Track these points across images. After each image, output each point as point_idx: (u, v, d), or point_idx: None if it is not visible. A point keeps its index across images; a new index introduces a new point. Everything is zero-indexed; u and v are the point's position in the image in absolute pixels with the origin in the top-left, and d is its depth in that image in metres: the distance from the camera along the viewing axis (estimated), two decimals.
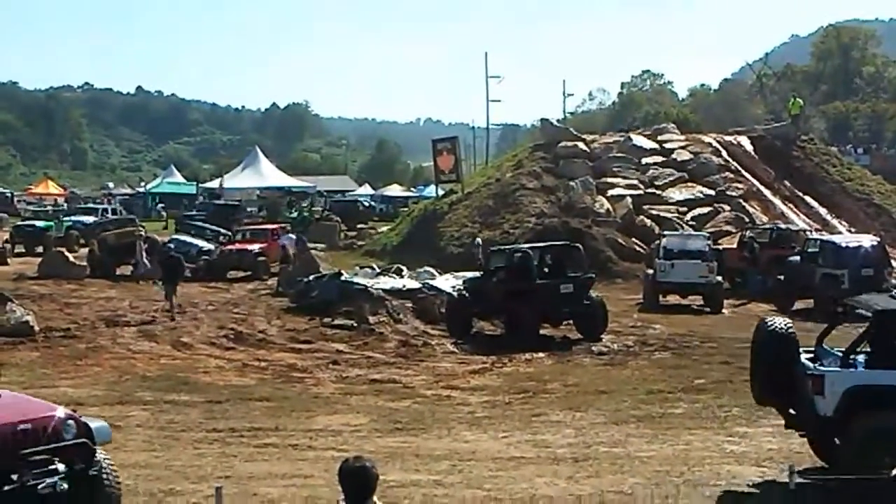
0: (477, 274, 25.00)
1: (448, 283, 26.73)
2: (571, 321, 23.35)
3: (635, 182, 40.94)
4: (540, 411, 15.61)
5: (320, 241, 42.03)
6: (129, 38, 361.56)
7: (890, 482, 9.85)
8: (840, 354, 11.26)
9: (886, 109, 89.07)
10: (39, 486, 8.51)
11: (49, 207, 60.15)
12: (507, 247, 26.96)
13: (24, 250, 40.58)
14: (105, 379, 18.09)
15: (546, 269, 23.80)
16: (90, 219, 47.85)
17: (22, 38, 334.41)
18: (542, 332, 22.97)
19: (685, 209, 39.33)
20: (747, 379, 17.78)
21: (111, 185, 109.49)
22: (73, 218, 48.45)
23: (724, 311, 27.73)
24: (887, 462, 10.00)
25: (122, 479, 9.71)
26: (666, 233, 32.73)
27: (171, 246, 30.25)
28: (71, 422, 9.13)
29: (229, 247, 36.06)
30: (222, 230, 39.95)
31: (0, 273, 33.66)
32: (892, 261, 30.21)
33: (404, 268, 29.29)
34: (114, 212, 52.91)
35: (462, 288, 24.87)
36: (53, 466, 8.68)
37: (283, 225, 41.42)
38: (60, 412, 9.19)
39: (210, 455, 12.79)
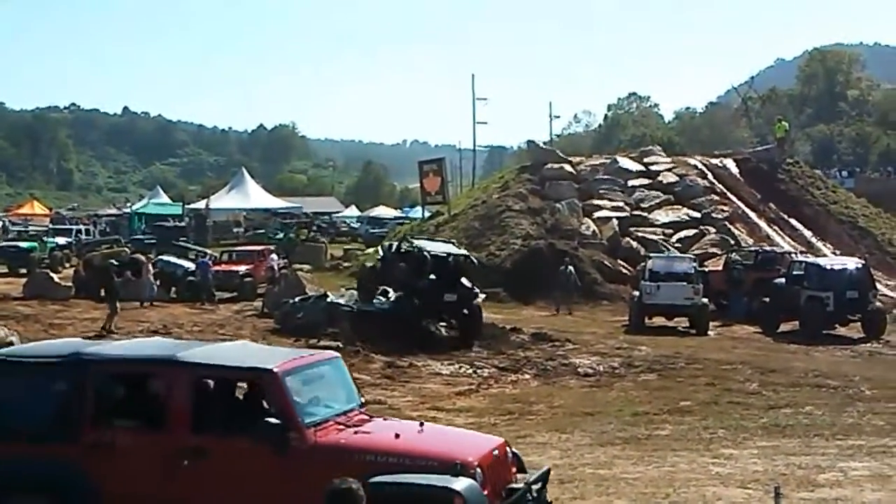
0: (392, 246, 27.34)
1: None
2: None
3: (621, 204, 41.04)
4: (525, 433, 15.55)
5: (306, 263, 41.89)
6: (116, 59, 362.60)
7: None
8: None
9: (871, 133, 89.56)
10: None
11: (31, 228, 59.74)
12: (411, 243, 27.60)
13: (7, 271, 40.43)
14: None
15: (440, 276, 25.14)
16: (63, 240, 47.69)
17: (8, 58, 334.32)
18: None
19: (671, 231, 39.42)
20: (732, 400, 18.08)
21: (75, 204, 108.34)
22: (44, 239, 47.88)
23: (709, 332, 27.79)
24: None
25: None
26: (652, 255, 32.72)
27: (114, 262, 30.33)
28: (508, 450, 9.02)
29: (215, 268, 35.87)
30: (208, 251, 39.78)
31: None
32: (877, 283, 30.35)
33: (390, 289, 29.20)
34: (87, 232, 52.63)
35: (378, 257, 27.12)
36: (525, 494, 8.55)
37: (268, 246, 41.29)
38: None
39: None
